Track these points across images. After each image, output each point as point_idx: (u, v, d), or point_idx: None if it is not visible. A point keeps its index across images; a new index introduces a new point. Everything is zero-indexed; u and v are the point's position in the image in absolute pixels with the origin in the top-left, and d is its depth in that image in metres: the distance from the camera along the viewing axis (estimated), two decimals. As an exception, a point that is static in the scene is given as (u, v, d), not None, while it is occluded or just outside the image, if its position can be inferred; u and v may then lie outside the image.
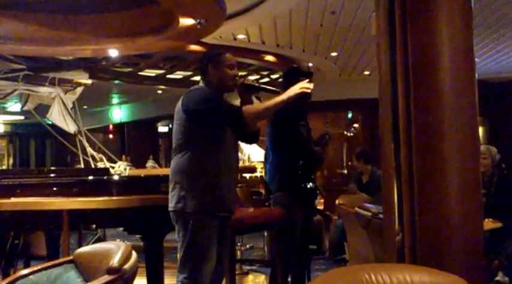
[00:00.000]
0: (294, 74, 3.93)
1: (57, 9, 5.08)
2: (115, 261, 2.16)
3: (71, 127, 6.00)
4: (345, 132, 10.72)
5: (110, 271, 2.12)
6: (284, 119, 3.71)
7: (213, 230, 2.97)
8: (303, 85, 2.99)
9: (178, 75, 9.49)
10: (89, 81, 6.70)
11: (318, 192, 4.15)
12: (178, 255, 3.08)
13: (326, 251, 6.77)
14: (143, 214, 3.67)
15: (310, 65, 8.86)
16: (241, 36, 6.92)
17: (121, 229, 4.48)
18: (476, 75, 2.53)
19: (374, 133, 9.16)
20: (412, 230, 2.41)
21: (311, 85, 3.00)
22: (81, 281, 2.36)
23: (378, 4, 2.61)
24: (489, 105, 9.12)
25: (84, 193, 3.74)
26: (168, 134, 13.08)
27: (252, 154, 7.20)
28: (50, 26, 5.22)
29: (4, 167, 15.83)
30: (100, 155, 5.55)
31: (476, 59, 2.66)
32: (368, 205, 4.34)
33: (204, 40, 6.27)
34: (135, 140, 14.50)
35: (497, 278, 4.63)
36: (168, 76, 9.36)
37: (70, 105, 6.19)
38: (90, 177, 4.10)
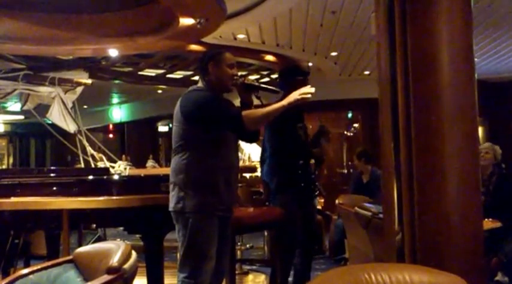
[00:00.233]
0: (290, 73, 3.92)
1: (57, 8, 5.08)
2: (115, 261, 2.16)
3: (71, 126, 6.00)
4: (345, 132, 10.73)
5: (110, 270, 2.12)
6: (281, 123, 3.64)
7: (213, 230, 2.98)
8: (304, 91, 2.98)
9: (178, 74, 9.49)
10: (89, 81, 6.70)
11: (318, 191, 4.13)
12: (178, 255, 3.09)
13: (326, 251, 6.78)
14: (143, 214, 3.67)
15: (310, 64, 8.86)
16: (241, 36, 6.92)
17: (121, 228, 4.49)
18: (476, 75, 2.53)
19: (374, 133, 9.16)
20: (412, 230, 2.42)
21: (312, 90, 2.98)
22: (81, 281, 2.36)
23: (378, 4, 2.61)
24: (489, 105, 9.11)
25: (84, 192, 3.75)
26: (168, 134, 13.08)
27: (253, 153, 7.21)
28: (50, 25, 5.22)
29: (4, 167, 15.83)
30: (100, 155, 5.55)
31: (476, 59, 2.66)
32: (368, 204, 4.34)
33: (204, 40, 6.27)
34: (135, 140, 14.51)
35: (497, 278, 4.64)
36: (168, 76, 9.36)
37: (70, 105, 6.19)
38: (90, 177, 4.10)
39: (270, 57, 7.99)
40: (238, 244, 5.67)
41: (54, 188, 3.80)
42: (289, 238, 3.81)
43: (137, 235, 4.09)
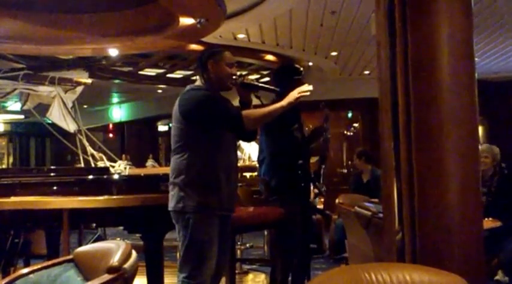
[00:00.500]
0: (286, 72, 3.90)
1: (57, 8, 5.08)
2: (115, 260, 2.16)
3: (71, 126, 6.00)
4: (345, 132, 10.74)
5: (110, 270, 2.12)
6: (276, 126, 3.58)
7: (213, 230, 2.97)
8: (302, 90, 2.98)
9: (178, 74, 9.50)
10: (89, 80, 6.70)
11: (317, 187, 4.07)
12: (178, 254, 3.09)
13: (326, 250, 6.78)
14: (143, 213, 3.67)
15: (310, 64, 8.87)
16: (241, 36, 6.92)
17: (121, 228, 4.48)
18: (476, 75, 2.53)
19: (374, 133, 9.16)
20: (412, 230, 2.42)
21: (310, 88, 2.99)
22: (81, 280, 2.36)
23: (378, 4, 2.61)
24: (489, 105, 9.11)
25: (84, 192, 3.75)
26: (168, 133, 13.07)
27: (253, 153, 7.20)
28: (49, 25, 5.22)
29: (4, 166, 15.84)
30: (100, 154, 5.55)
31: (476, 59, 2.66)
32: (368, 204, 4.34)
33: (204, 39, 6.27)
34: (135, 139, 14.51)
35: (497, 277, 4.64)
36: (168, 75, 9.37)
37: (70, 104, 6.19)
38: (90, 176, 4.10)
39: (270, 57, 8.00)
40: (238, 243, 5.67)
41: (54, 187, 3.80)
42: (289, 238, 3.81)
43: (137, 235, 4.09)
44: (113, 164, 5.11)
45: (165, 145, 14.18)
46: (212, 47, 3.45)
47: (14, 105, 9.47)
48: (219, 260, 3.05)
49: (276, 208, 3.80)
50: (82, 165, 5.70)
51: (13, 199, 3.78)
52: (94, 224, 5.80)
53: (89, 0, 5.12)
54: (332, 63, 8.89)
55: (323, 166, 3.99)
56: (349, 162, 10.36)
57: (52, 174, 4.47)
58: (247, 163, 6.86)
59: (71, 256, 2.51)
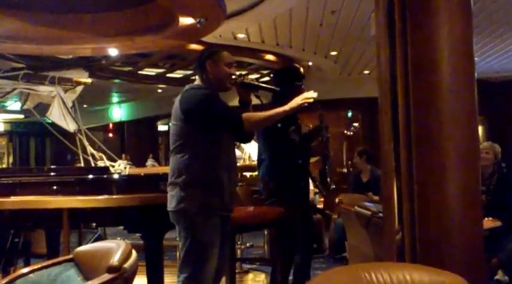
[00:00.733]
0: (287, 75, 3.87)
1: (57, 8, 5.08)
2: (115, 260, 2.16)
3: (71, 126, 5.99)
4: (345, 131, 10.74)
5: (110, 269, 2.12)
6: (272, 129, 3.54)
7: (214, 230, 2.96)
8: (306, 96, 2.98)
9: (178, 74, 9.51)
10: (89, 80, 6.70)
11: (317, 187, 4.04)
12: (178, 254, 3.09)
13: (326, 250, 6.78)
14: (143, 213, 3.67)
15: (310, 63, 8.87)
16: (241, 36, 6.93)
17: (121, 227, 4.48)
18: (476, 74, 2.53)
19: (374, 132, 9.16)
20: (412, 230, 2.42)
21: (315, 95, 2.98)
22: (81, 280, 2.36)
23: (378, 4, 2.61)
24: (489, 105, 9.12)
25: (84, 191, 3.74)
26: (168, 133, 13.09)
27: (253, 153, 7.19)
28: (49, 24, 5.22)
29: (4, 166, 15.85)
30: (100, 154, 5.55)
31: (476, 58, 2.66)
32: (368, 203, 4.35)
33: (204, 39, 6.27)
34: (135, 139, 14.52)
35: (497, 277, 4.64)
36: (168, 75, 9.38)
37: (70, 104, 6.18)
38: (90, 176, 4.10)
39: (269, 57, 8.01)
40: (238, 243, 5.67)
41: (54, 187, 3.80)
42: (289, 237, 3.81)
43: (137, 234, 4.09)
44: (112, 164, 5.10)
45: (164, 144, 14.19)
46: (211, 47, 3.44)
47: (13, 104, 9.48)
48: (220, 260, 3.04)
49: (276, 207, 3.80)
50: (82, 164, 5.70)
51: (13, 198, 3.78)
52: (94, 224, 5.80)
53: (89, 0, 5.12)
54: (332, 63, 8.89)
55: (327, 166, 3.97)
56: (349, 162, 10.36)
57: (52, 174, 4.46)
58: (247, 162, 6.85)
59: (71, 256, 2.51)
